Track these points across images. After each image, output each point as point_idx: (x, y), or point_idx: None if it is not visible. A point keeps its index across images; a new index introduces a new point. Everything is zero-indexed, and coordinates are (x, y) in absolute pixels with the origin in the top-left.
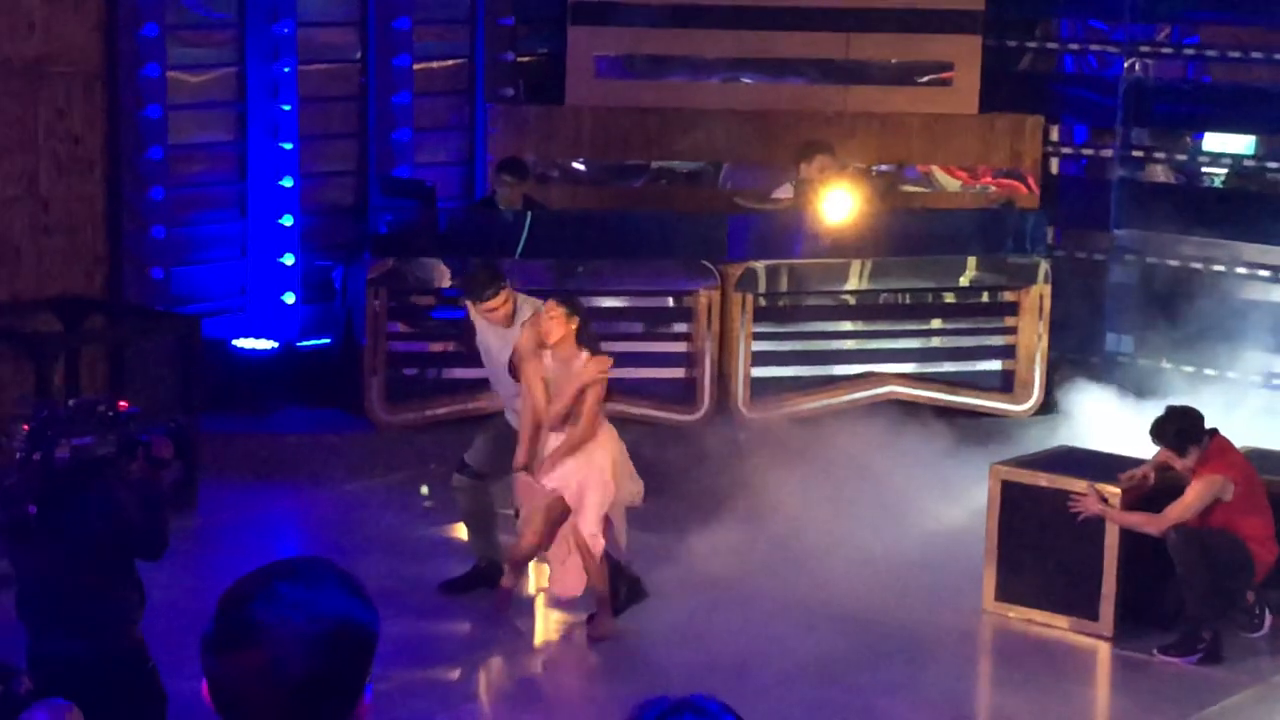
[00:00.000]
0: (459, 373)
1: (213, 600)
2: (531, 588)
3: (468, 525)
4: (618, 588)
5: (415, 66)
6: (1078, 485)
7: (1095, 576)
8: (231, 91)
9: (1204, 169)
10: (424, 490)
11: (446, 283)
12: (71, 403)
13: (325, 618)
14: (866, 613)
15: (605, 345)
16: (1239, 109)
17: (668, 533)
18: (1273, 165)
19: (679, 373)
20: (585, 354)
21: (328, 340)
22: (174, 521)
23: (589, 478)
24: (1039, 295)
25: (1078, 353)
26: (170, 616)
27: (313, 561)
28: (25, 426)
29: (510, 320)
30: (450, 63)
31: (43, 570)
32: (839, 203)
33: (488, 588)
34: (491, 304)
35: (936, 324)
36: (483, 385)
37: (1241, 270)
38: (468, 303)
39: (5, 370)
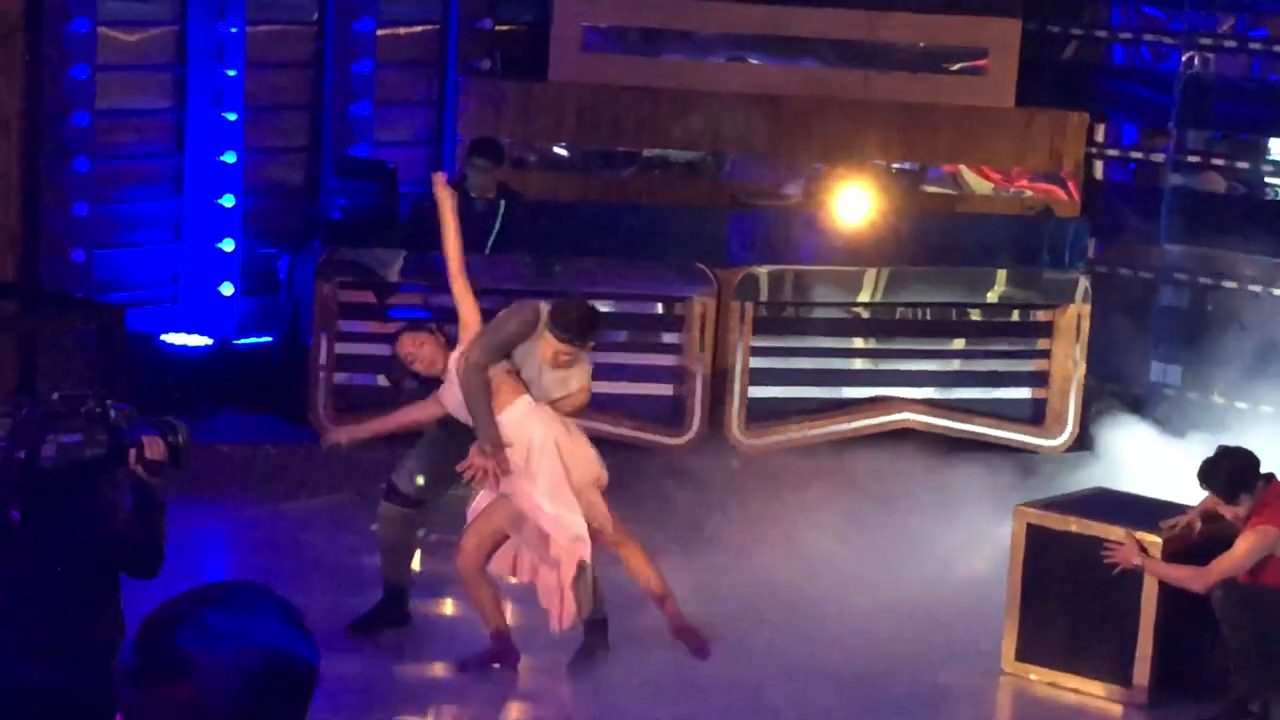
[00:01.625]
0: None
1: (132, 627)
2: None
3: (384, 556)
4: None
5: (379, 32)
6: (1113, 532)
7: (1130, 636)
8: (170, 53)
9: (1268, 179)
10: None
11: (402, 277)
12: (56, 396)
13: (258, 650)
14: (866, 669)
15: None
16: None
17: None
18: None
19: (666, 389)
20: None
21: (269, 338)
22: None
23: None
24: (1076, 316)
25: (1118, 382)
26: None
27: (246, 586)
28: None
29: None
30: (418, 29)
31: (19, 586)
32: (855, 203)
33: (395, 624)
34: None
35: (959, 344)
36: None
37: None
38: (560, 337)
39: None
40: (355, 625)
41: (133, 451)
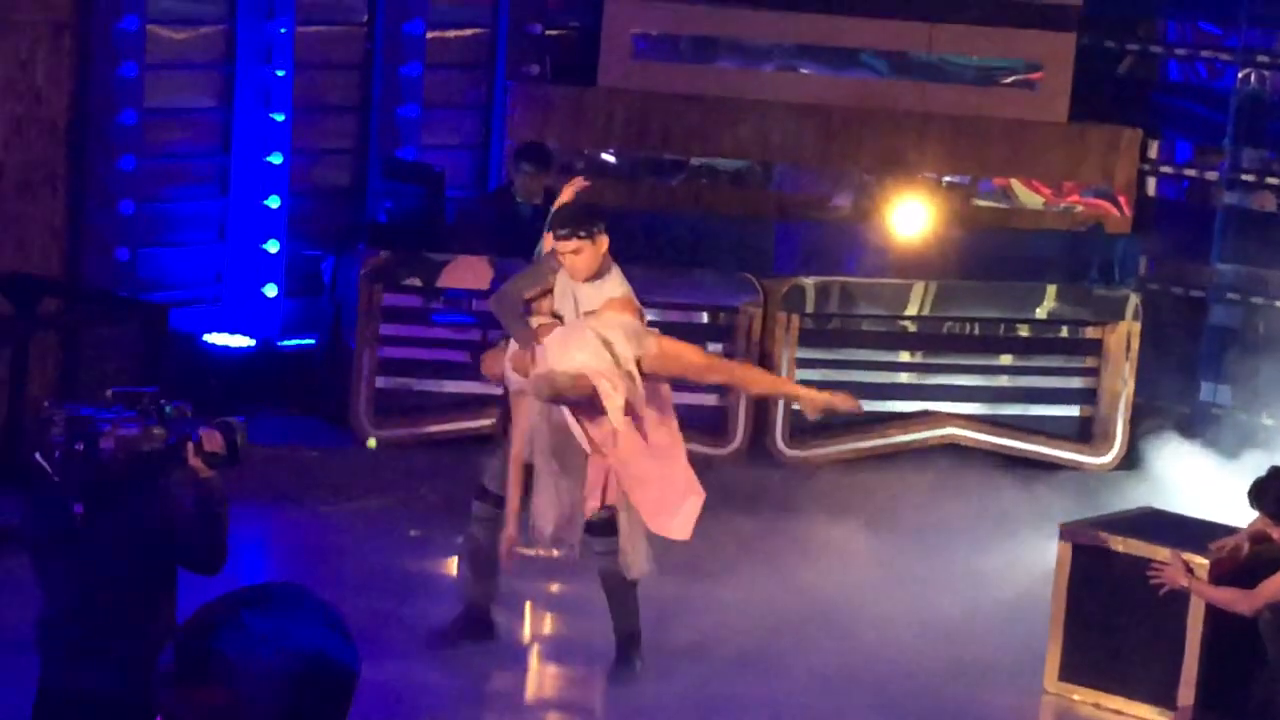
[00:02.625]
0: (459, 386)
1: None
2: (526, 635)
3: (470, 564)
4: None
5: (428, 34)
6: (1160, 553)
7: (1175, 658)
8: (218, 52)
9: None
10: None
11: (451, 282)
12: (110, 392)
13: (297, 653)
14: (908, 687)
15: None
16: None
17: (684, 583)
18: None
19: (710, 399)
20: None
21: (312, 340)
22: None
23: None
24: (1126, 334)
25: (1167, 401)
26: None
27: (286, 589)
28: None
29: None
30: (468, 32)
31: (81, 586)
32: (910, 216)
33: (473, 640)
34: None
35: (1007, 360)
36: (487, 401)
37: None
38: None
39: None
40: (435, 637)
41: (190, 445)
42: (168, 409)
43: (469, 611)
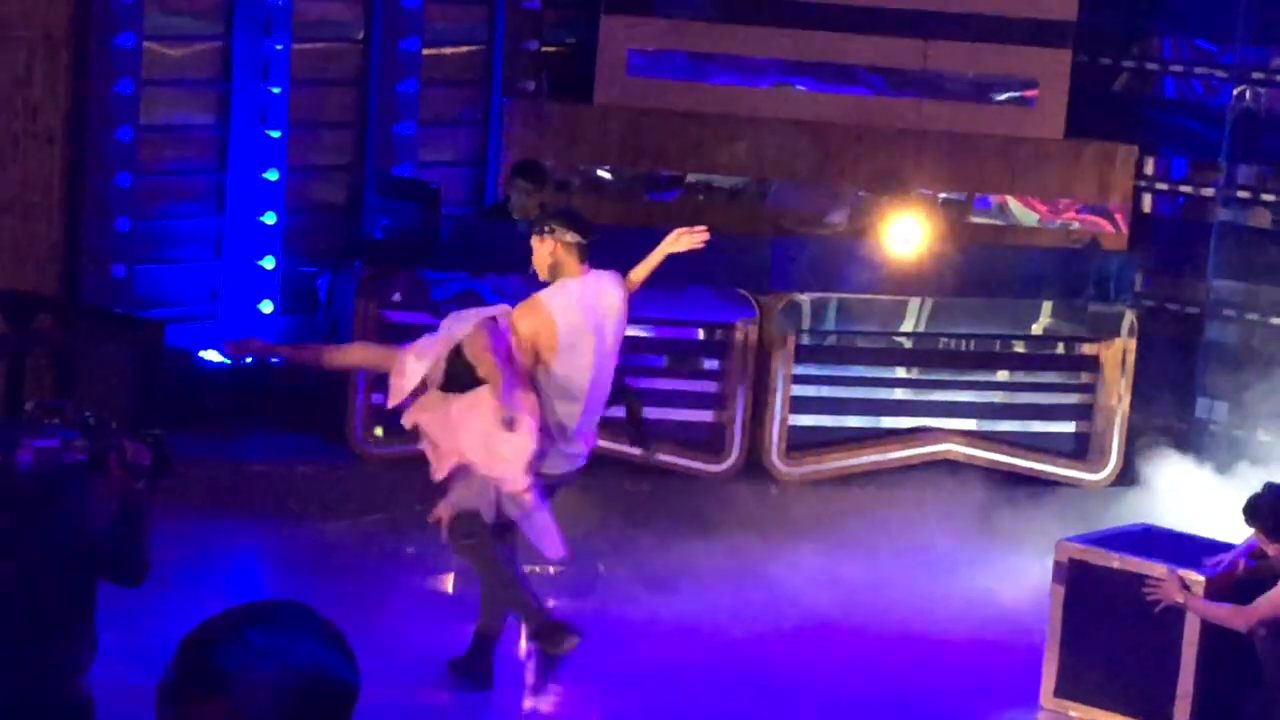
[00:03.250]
0: None
1: (164, 647)
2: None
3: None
4: None
5: (424, 51)
6: (1156, 569)
7: (1170, 674)
8: (215, 68)
9: None
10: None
11: (442, 298)
12: (30, 405)
13: (298, 668)
14: (905, 703)
15: (627, 379)
16: None
17: (683, 598)
18: None
19: (706, 416)
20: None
21: None
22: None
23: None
24: (1122, 350)
25: (1163, 418)
26: (118, 663)
27: (287, 606)
28: None
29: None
30: (465, 49)
31: (2, 597)
32: (906, 233)
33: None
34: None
35: (1003, 376)
36: None
37: None
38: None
39: None
40: (457, 662)
41: (113, 456)
42: (90, 420)
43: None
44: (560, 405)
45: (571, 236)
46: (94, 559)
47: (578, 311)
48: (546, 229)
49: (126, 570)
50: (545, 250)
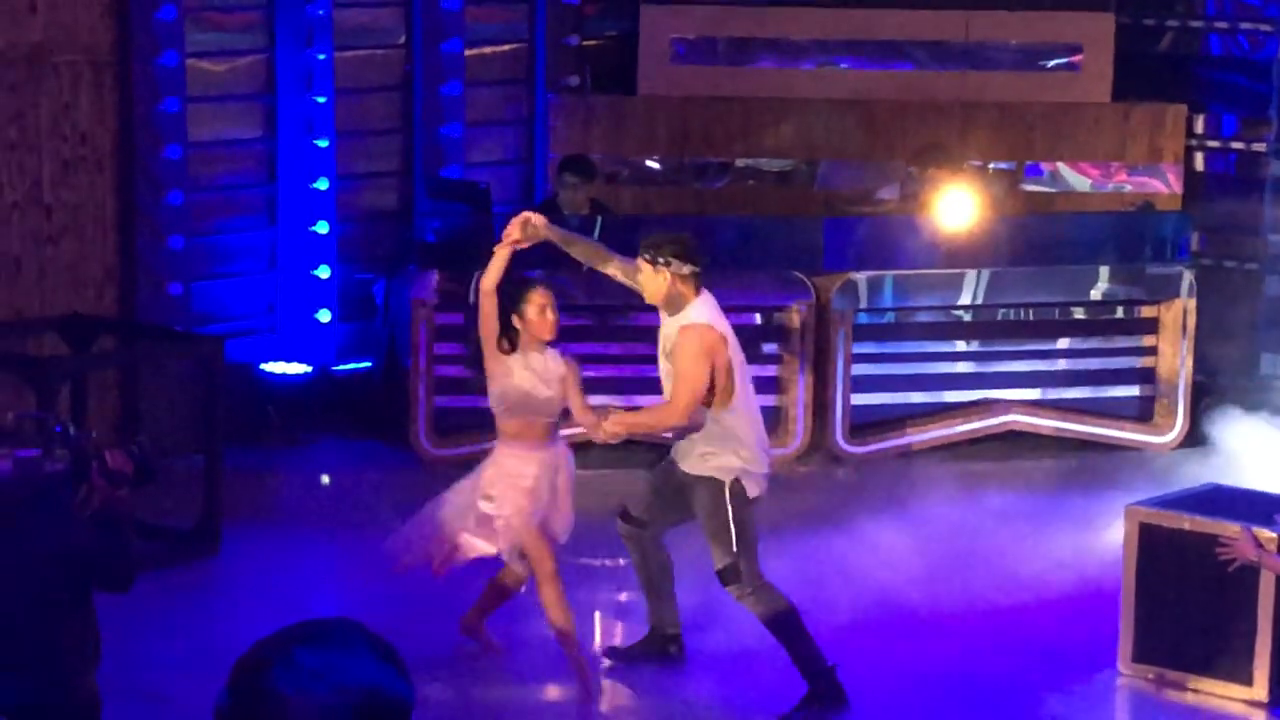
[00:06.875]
0: None
1: (232, 658)
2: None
3: (640, 585)
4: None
5: (467, 52)
6: (1228, 529)
7: (1249, 634)
8: (259, 82)
9: None
10: None
11: None
12: (12, 415)
13: (351, 688)
14: (981, 673)
15: None
16: None
17: None
18: None
19: (768, 400)
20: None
21: (368, 363)
22: (192, 565)
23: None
24: (1182, 310)
25: (1227, 376)
26: (187, 673)
27: (338, 624)
28: None
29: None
30: (506, 47)
31: None
32: (957, 206)
33: (655, 661)
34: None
35: (1064, 344)
36: None
37: None
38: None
39: (5, 398)
40: (612, 650)
41: (95, 464)
42: (72, 430)
43: (650, 633)
44: (757, 427)
45: (688, 269)
46: (82, 565)
47: (729, 331)
48: (662, 261)
49: (112, 576)
50: (661, 280)
